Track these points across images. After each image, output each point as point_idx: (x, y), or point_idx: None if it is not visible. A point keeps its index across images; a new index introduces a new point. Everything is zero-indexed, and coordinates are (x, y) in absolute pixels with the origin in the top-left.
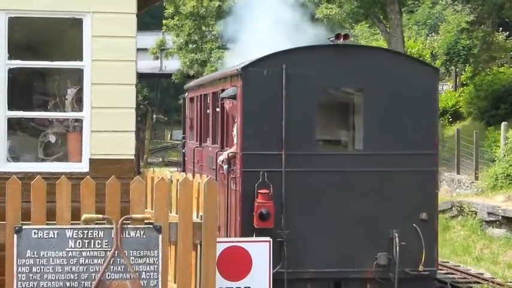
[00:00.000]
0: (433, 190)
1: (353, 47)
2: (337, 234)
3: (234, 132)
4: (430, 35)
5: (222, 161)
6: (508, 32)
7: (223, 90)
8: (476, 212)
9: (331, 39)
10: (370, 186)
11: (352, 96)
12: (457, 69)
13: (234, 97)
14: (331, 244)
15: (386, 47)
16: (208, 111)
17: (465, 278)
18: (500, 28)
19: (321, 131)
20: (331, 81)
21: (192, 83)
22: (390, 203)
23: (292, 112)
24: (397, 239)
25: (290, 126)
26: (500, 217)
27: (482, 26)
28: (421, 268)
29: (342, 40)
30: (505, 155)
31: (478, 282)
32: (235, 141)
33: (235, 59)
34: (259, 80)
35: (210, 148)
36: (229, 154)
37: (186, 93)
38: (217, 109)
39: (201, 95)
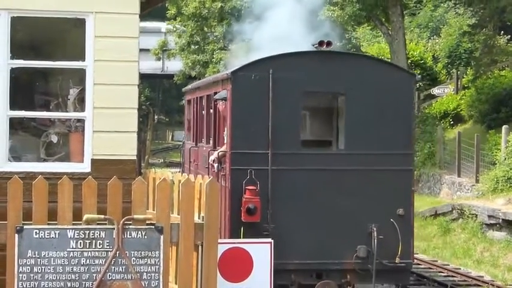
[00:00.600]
0: (409, 187)
1: (335, 53)
2: (320, 228)
3: (225, 133)
4: (431, 38)
5: (213, 160)
6: (509, 36)
7: (216, 93)
8: (476, 215)
9: (315, 45)
10: (350, 183)
11: (335, 100)
12: (459, 72)
13: (225, 99)
14: (314, 237)
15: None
16: (203, 112)
17: (465, 280)
18: (502, 31)
19: (306, 131)
20: (315, 85)
21: (189, 86)
22: (369, 199)
23: (278, 114)
24: (375, 232)
25: (276, 127)
26: (500, 220)
27: (484, 30)
28: (397, 260)
29: (325, 47)
30: (505, 158)
31: (478, 285)
32: (225, 141)
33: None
34: (247, 84)
35: (204, 148)
36: (220, 153)
37: (184, 96)
38: (211, 110)
39: (197, 98)
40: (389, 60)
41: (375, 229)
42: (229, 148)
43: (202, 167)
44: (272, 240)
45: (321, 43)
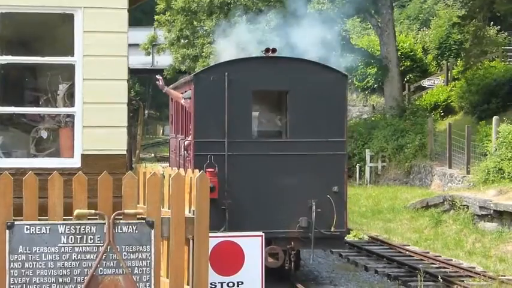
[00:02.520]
0: (342, 169)
1: (280, 58)
2: (269, 203)
3: (191, 125)
4: (421, 29)
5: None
6: (499, 27)
7: (185, 92)
8: (468, 206)
9: (262, 52)
10: (294, 166)
11: (281, 97)
12: (449, 64)
13: (190, 98)
14: (263, 210)
15: (378, 42)
16: (179, 108)
17: (457, 271)
18: (492, 22)
19: (257, 123)
20: (263, 85)
21: (172, 85)
22: (309, 179)
23: (233, 109)
24: (314, 207)
25: (231, 120)
26: (491, 211)
27: (474, 21)
28: (332, 229)
29: (271, 53)
30: (496, 149)
31: (470, 276)
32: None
33: None
34: (207, 84)
35: (179, 139)
36: (185, 142)
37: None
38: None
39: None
40: (326, 65)
41: (314, 204)
42: (193, 138)
43: (178, 155)
44: (263, 234)
45: (267, 50)
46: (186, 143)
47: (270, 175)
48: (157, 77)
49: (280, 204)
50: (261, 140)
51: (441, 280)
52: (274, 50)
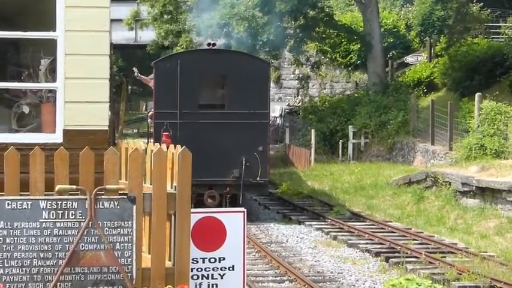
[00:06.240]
0: (266, 133)
1: (219, 50)
2: (211, 159)
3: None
4: (404, 6)
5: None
6: (482, 3)
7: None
8: (450, 183)
9: (206, 44)
10: (230, 131)
11: (221, 79)
12: (432, 40)
13: (153, 79)
14: (206, 164)
15: (361, 18)
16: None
17: (439, 248)
18: None
19: (203, 98)
20: (207, 70)
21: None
22: (241, 141)
23: (184, 88)
24: (244, 161)
25: (182, 96)
26: (474, 188)
27: None
28: (258, 179)
29: (212, 46)
30: (479, 126)
31: (452, 252)
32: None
33: None
34: (164, 70)
35: (152, 110)
36: (149, 113)
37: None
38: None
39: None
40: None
41: (244, 159)
42: (154, 109)
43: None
44: (245, 210)
45: (209, 44)
46: (150, 113)
47: (211, 137)
48: (134, 69)
49: (218, 159)
50: (204, 112)
51: (424, 256)
52: (214, 44)
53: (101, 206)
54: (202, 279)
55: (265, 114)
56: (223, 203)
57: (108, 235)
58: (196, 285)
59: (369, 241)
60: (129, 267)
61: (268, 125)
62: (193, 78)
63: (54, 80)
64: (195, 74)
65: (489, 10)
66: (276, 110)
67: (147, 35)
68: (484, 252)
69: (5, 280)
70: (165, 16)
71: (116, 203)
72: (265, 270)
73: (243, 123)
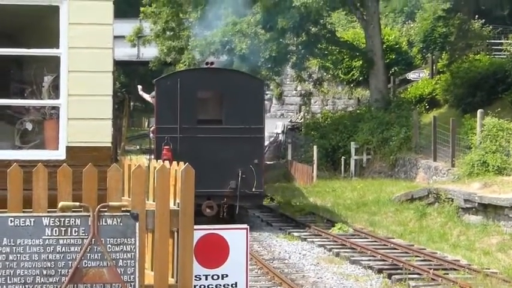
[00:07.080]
0: (261, 147)
1: (217, 69)
2: (209, 171)
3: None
4: (406, 22)
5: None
6: (484, 20)
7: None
8: (452, 199)
9: (205, 63)
10: (227, 144)
11: (218, 96)
12: (434, 57)
13: (154, 96)
14: (205, 176)
15: (363, 35)
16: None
17: (442, 264)
18: (476, 16)
19: (202, 114)
20: (205, 88)
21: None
22: (238, 154)
23: (184, 104)
24: (240, 173)
25: (182, 112)
26: (476, 204)
27: (459, 14)
28: (253, 190)
29: (210, 65)
30: (481, 142)
31: (455, 269)
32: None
33: None
34: (165, 87)
35: (154, 125)
36: (152, 128)
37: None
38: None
39: None
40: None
41: (240, 171)
42: (156, 124)
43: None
44: (248, 226)
45: (207, 63)
46: (152, 128)
47: (210, 150)
48: (139, 86)
49: (216, 171)
50: (203, 127)
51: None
52: (212, 63)
53: (103, 223)
54: None
55: (260, 129)
56: (221, 213)
57: (111, 252)
58: None
59: (371, 258)
60: (132, 284)
61: (264, 139)
62: (192, 95)
63: (57, 96)
64: (195, 91)
65: (491, 27)
66: (278, 127)
67: (150, 52)
68: (486, 269)
69: None
70: (168, 33)
71: (118, 220)
72: (268, 287)
73: (239, 137)
